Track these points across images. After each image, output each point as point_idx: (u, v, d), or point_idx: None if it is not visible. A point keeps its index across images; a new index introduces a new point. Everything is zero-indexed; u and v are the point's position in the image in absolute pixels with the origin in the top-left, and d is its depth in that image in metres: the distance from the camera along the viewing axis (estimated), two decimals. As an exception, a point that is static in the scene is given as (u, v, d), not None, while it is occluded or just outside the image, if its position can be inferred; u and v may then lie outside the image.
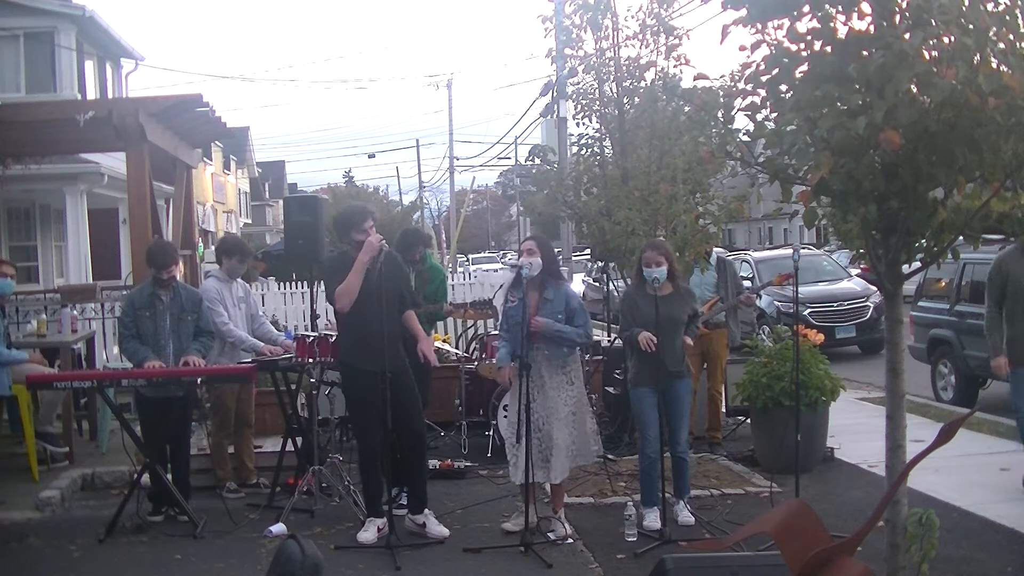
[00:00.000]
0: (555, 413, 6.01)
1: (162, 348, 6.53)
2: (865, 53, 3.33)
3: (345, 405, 6.62)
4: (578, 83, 7.60)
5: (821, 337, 8.24)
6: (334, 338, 6.51)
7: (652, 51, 7.13)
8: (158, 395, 6.50)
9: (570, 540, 5.94)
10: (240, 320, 7.23)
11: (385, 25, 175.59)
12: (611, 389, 9.09)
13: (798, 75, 3.49)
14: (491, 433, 8.22)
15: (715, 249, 8.25)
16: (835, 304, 14.69)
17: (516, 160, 39.76)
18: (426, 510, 6.17)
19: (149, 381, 6.37)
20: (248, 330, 7.25)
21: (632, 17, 7.17)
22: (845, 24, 3.44)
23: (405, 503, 6.31)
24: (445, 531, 6.09)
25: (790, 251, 8.68)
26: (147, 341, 6.52)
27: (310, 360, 6.59)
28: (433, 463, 7.53)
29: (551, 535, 5.92)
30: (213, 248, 28.10)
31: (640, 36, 7.15)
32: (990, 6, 3.31)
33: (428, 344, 6.41)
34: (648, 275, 6.03)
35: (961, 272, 10.26)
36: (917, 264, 3.84)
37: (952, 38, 3.22)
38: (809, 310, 14.22)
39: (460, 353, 9.87)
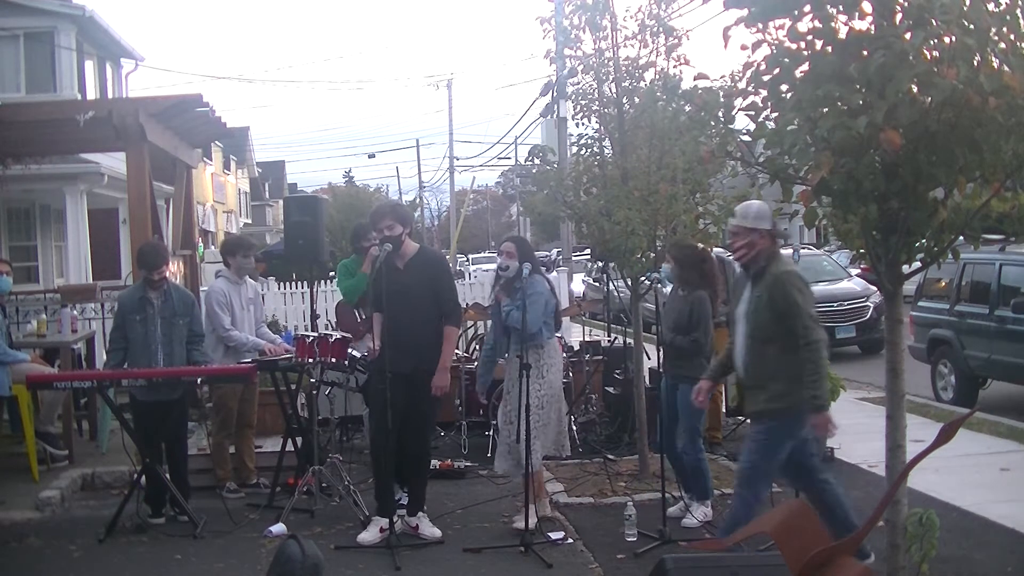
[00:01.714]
0: (514, 404, 6.08)
1: (153, 354, 6.46)
2: (866, 53, 3.33)
3: None
4: (577, 83, 7.58)
5: (821, 337, 8.22)
6: (333, 338, 6.52)
7: (651, 51, 7.11)
8: (150, 399, 6.48)
9: (564, 536, 5.97)
10: (247, 323, 7.21)
11: (385, 25, 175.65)
12: (611, 389, 9.08)
13: (799, 75, 3.48)
14: (491, 433, 8.22)
15: (715, 249, 8.23)
16: (835, 304, 14.65)
17: (516, 160, 39.75)
18: (420, 512, 6.17)
19: (149, 382, 6.36)
20: (252, 333, 7.25)
21: (631, 18, 7.16)
22: (846, 24, 3.44)
23: (405, 504, 6.32)
24: (437, 532, 6.09)
25: (790, 251, 8.67)
26: (137, 346, 6.46)
27: (310, 360, 6.59)
28: (433, 463, 7.53)
29: (537, 516, 5.97)
30: (214, 248, 28.17)
31: (639, 36, 7.13)
32: (991, 6, 3.30)
33: (443, 375, 6.06)
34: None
35: (961, 272, 10.27)
36: (917, 264, 3.84)
37: (953, 38, 3.21)
38: (809, 310, 14.18)
39: (460, 353, 9.86)
